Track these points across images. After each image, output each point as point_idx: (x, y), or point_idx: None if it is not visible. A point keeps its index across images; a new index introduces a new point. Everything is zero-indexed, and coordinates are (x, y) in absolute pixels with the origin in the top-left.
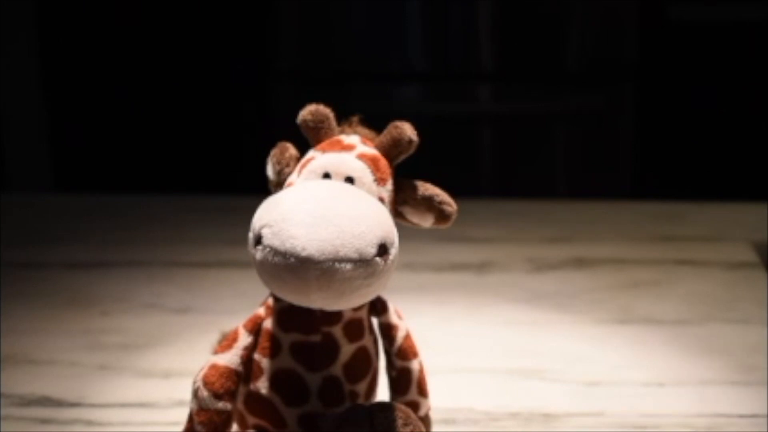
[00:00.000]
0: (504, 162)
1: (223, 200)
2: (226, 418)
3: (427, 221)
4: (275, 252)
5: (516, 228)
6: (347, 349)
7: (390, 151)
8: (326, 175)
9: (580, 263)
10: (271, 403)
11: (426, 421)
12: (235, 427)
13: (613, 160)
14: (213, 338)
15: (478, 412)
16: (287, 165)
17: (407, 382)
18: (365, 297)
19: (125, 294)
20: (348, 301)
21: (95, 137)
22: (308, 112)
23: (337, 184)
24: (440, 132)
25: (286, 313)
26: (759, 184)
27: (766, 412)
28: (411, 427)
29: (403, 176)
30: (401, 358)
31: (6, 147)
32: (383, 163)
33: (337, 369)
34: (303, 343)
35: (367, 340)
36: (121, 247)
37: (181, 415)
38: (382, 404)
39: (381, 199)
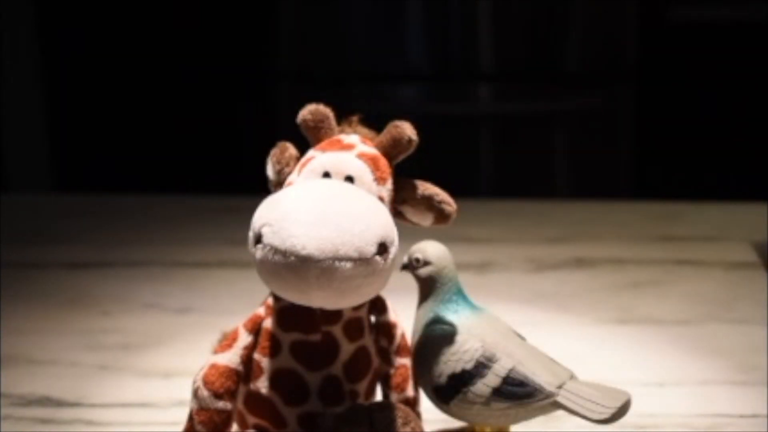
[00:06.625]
0: (504, 162)
1: (223, 200)
2: (226, 417)
3: (426, 221)
4: (275, 251)
5: (516, 228)
6: (347, 349)
7: (390, 150)
8: (326, 175)
9: (580, 263)
10: (271, 402)
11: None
12: (235, 426)
13: (613, 160)
14: (213, 338)
15: None
16: (287, 164)
17: (405, 379)
18: (365, 296)
19: (125, 294)
20: (348, 300)
21: (95, 137)
22: (308, 111)
23: (336, 183)
24: (440, 132)
25: (286, 313)
26: (759, 184)
27: (766, 412)
28: (411, 426)
29: (403, 176)
30: (400, 355)
31: (6, 147)
32: (383, 162)
33: (337, 368)
34: (303, 342)
35: (367, 340)
36: (121, 247)
37: (181, 414)
38: (381, 404)
39: (381, 199)
